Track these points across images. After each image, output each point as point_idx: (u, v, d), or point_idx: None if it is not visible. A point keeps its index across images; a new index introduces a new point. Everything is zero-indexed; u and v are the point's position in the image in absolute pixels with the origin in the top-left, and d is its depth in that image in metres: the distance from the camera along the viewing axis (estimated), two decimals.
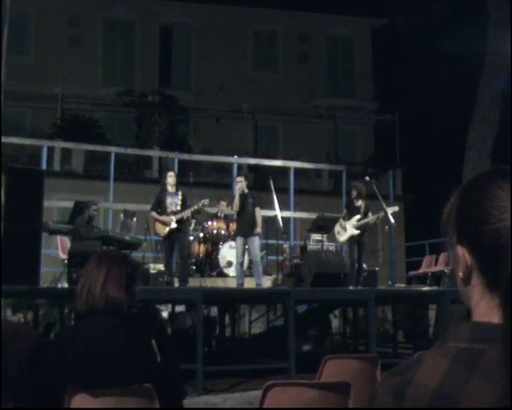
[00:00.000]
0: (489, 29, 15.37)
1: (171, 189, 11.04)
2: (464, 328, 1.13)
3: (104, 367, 2.96)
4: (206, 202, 11.37)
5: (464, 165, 14.86)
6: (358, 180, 12.85)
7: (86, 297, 3.08)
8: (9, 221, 8.61)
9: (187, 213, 11.04)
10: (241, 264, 11.11)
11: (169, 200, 10.95)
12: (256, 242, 11.02)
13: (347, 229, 11.65)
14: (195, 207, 11.15)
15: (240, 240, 11.01)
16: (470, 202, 1.16)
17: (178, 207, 10.90)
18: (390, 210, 11.79)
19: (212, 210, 13.16)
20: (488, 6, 15.41)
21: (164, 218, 10.80)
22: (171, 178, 11.06)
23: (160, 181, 11.57)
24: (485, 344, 1.08)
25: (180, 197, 11.01)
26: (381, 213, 11.74)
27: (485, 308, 1.13)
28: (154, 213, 10.96)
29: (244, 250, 11.08)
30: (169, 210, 10.86)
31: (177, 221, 10.81)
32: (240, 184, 11.14)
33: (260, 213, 11.24)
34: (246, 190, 11.16)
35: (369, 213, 11.77)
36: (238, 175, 11.62)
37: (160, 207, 10.95)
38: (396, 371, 1.16)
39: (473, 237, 1.14)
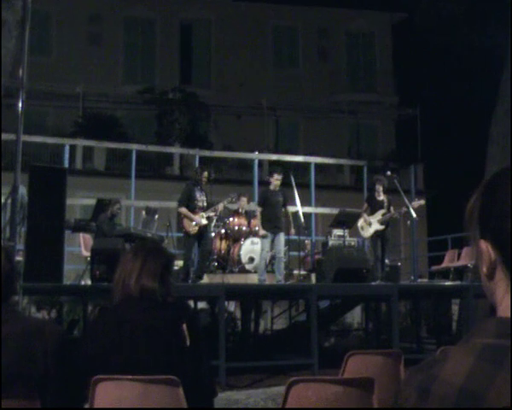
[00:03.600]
0: (510, 22, 15.22)
1: (201, 186, 10.99)
2: (489, 324, 1.13)
3: (134, 344, 3.05)
4: (234, 197, 11.47)
5: (486, 159, 14.74)
6: (381, 174, 12.78)
7: (122, 288, 3.18)
8: (33, 219, 8.68)
9: (219, 209, 11.06)
10: (266, 260, 11.13)
11: (198, 195, 10.85)
12: (282, 238, 11.03)
13: (372, 224, 11.54)
14: (225, 202, 11.20)
15: (268, 236, 10.98)
16: (493, 197, 1.15)
17: (205, 204, 10.88)
18: (416, 204, 11.71)
19: (233, 206, 13.16)
20: None
21: (195, 216, 10.73)
22: (205, 178, 10.99)
23: (195, 176, 11.37)
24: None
25: (205, 194, 11.03)
26: (404, 208, 11.64)
27: (509, 303, 1.13)
28: (184, 210, 10.76)
29: (270, 247, 11.08)
30: (198, 206, 10.81)
31: (206, 218, 10.85)
32: (277, 182, 11.13)
33: (289, 211, 11.30)
34: (278, 188, 11.17)
35: (391, 208, 11.69)
36: (278, 173, 11.44)
37: (189, 201, 10.81)
38: (420, 367, 1.15)
39: (496, 232, 1.13)
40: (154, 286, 3.14)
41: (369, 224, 11.53)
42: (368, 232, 11.61)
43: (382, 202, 11.63)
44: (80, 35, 26.00)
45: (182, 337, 3.10)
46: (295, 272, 12.30)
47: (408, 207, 11.53)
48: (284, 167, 12.61)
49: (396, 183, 11.87)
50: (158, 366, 3.02)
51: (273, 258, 11.51)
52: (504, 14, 15.36)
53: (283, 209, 11.21)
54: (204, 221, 10.76)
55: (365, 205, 11.84)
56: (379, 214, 11.51)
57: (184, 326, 3.11)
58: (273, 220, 10.99)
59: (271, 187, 11.20)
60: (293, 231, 11.40)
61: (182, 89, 25.25)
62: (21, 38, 9.16)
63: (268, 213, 11.04)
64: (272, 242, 11.01)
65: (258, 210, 11.24)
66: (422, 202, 12.17)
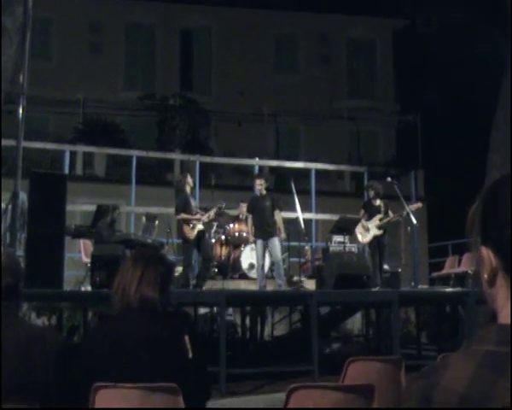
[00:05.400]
0: (510, 30, 15.23)
1: (190, 191, 11.11)
2: (490, 331, 1.12)
3: (136, 359, 3.02)
4: (223, 204, 11.46)
5: (487, 166, 14.73)
6: (375, 180, 12.79)
7: (121, 297, 3.13)
8: (33, 225, 8.67)
9: (211, 216, 11.09)
10: (262, 266, 11.10)
11: (193, 202, 11.01)
12: (276, 242, 11.01)
13: (370, 229, 11.50)
14: (216, 209, 11.20)
15: (259, 242, 11.01)
16: (494, 204, 1.15)
17: (198, 210, 10.97)
18: (414, 207, 11.68)
19: (234, 212, 13.16)
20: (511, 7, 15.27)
21: (196, 217, 10.80)
22: (191, 180, 11.13)
23: (179, 182, 11.56)
24: None
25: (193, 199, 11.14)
26: (405, 212, 11.60)
27: (510, 310, 1.12)
28: (184, 215, 10.87)
29: (264, 252, 11.07)
30: (194, 212, 10.89)
31: (203, 223, 10.90)
32: (258, 187, 11.20)
33: (280, 215, 11.25)
34: (264, 192, 11.19)
35: (390, 212, 11.65)
36: (258, 177, 11.61)
37: (186, 208, 10.91)
38: (421, 374, 1.15)
39: (497, 238, 1.13)
40: (155, 296, 3.09)
41: (367, 229, 11.50)
42: (366, 238, 11.56)
43: (379, 206, 11.59)
44: (81, 41, 26.03)
45: (185, 349, 3.07)
46: (295, 278, 12.28)
47: (409, 214, 11.50)
48: (285, 174, 12.63)
49: (396, 189, 11.85)
50: (160, 378, 3.00)
51: (272, 264, 11.50)
52: (505, 22, 15.37)
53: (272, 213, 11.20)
54: (200, 226, 10.83)
55: (362, 211, 11.81)
56: (376, 219, 11.47)
57: (187, 338, 3.09)
58: (262, 226, 11.01)
59: (257, 193, 11.27)
60: (283, 235, 11.39)
61: (182, 95, 25.25)
62: (22, 45, 9.18)
63: (257, 220, 11.09)
64: (266, 248, 11.02)
65: (250, 217, 11.29)
66: (420, 204, 12.15)
